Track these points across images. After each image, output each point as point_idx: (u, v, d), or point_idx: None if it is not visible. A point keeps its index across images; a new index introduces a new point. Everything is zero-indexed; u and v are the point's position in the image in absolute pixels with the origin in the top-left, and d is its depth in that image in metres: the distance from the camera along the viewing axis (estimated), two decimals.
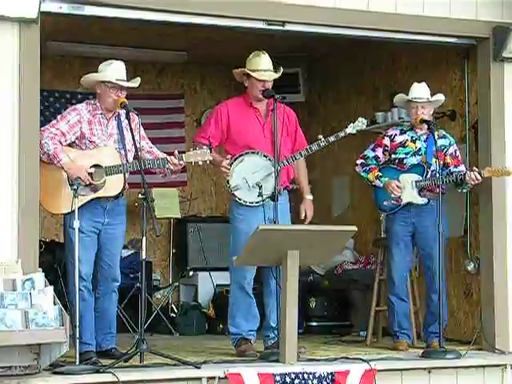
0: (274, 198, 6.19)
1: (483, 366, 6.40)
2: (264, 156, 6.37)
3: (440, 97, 6.84)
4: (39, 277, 5.53)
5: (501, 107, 6.90)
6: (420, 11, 6.72)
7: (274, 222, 6.14)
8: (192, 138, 6.30)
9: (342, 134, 6.46)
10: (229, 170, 6.31)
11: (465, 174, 6.64)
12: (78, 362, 5.41)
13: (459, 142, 7.52)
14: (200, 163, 6.11)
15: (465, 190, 6.83)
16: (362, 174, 6.91)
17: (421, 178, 6.75)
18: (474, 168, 6.67)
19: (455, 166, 6.77)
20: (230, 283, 6.57)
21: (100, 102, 6.11)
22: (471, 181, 6.61)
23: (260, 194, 6.30)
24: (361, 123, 6.46)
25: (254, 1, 6.30)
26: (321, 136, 6.44)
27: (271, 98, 6.32)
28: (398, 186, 6.75)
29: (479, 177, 6.60)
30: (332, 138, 6.44)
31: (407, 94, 6.84)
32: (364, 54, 8.66)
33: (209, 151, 6.07)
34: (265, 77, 6.37)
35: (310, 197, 6.57)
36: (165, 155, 6.16)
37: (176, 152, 6.09)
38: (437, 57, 7.77)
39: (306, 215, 6.51)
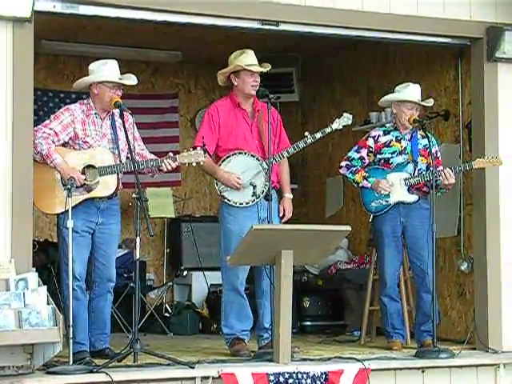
0: (267, 197, 6.22)
1: (476, 366, 6.41)
2: (251, 156, 6.38)
3: (430, 102, 6.86)
4: (33, 276, 5.52)
5: (494, 107, 6.91)
6: (414, 11, 6.73)
7: (268, 222, 6.16)
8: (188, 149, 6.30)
9: (328, 130, 6.46)
10: (239, 182, 6.31)
11: (442, 172, 6.62)
12: (71, 362, 5.40)
13: (453, 141, 7.54)
14: (194, 164, 6.11)
15: (439, 194, 6.79)
16: (348, 176, 6.89)
17: (409, 176, 6.75)
18: (447, 168, 6.63)
19: (436, 166, 6.76)
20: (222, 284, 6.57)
21: (96, 102, 6.09)
22: (445, 180, 6.59)
23: (254, 194, 6.31)
24: (346, 118, 6.48)
25: (248, 1, 6.31)
26: (307, 133, 6.44)
27: (265, 97, 6.32)
28: (387, 183, 6.74)
29: (451, 173, 6.57)
30: (318, 135, 6.44)
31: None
32: (358, 54, 8.67)
33: (202, 152, 6.07)
34: (259, 69, 6.38)
35: (289, 195, 6.57)
36: (152, 155, 6.16)
37: (170, 153, 6.09)
38: (431, 57, 7.78)
39: (284, 213, 6.50)
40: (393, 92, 6.91)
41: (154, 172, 6.19)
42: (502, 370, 6.47)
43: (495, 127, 6.92)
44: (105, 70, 6.05)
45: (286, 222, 6.49)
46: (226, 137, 6.42)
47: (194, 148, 6.16)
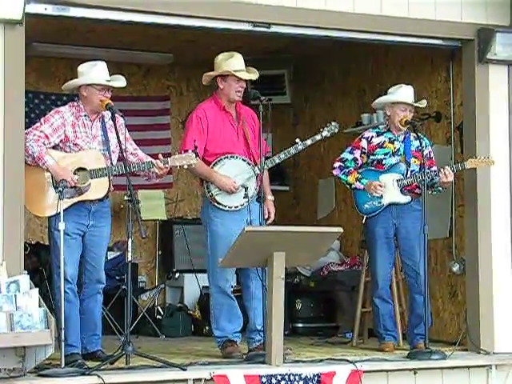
0: (259, 199, 6.24)
1: (468, 367, 6.42)
2: (243, 160, 6.39)
3: (423, 103, 6.88)
4: (24, 279, 5.50)
5: (485, 109, 6.93)
6: (405, 13, 6.74)
7: (260, 224, 6.16)
8: (179, 151, 6.29)
9: (318, 138, 6.59)
10: (236, 186, 6.31)
11: (438, 172, 6.65)
12: (63, 365, 5.40)
13: (444, 143, 7.55)
14: (185, 167, 6.10)
15: (435, 193, 6.82)
16: (342, 177, 6.91)
17: (402, 177, 6.76)
18: (446, 166, 6.67)
19: (429, 167, 6.77)
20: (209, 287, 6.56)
21: (86, 104, 6.07)
22: (443, 177, 6.61)
23: (246, 196, 6.32)
24: (333, 127, 6.63)
25: (239, 3, 6.30)
26: (298, 140, 6.51)
27: (257, 99, 6.31)
28: (379, 185, 6.76)
29: (450, 171, 6.60)
30: (309, 142, 6.54)
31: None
32: (350, 56, 8.67)
33: (194, 155, 6.06)
34: (248, 76, 6.38)
35: (271, 197, 6.58)
36: (149, 158, 6.15)
37: (160, 156, 6.07)
38: (422, 58, 7.79)
39: (269, 215, 6.51)
40: (386, 94, 6.93)
41: (149, 176, 6.18)
42: (494, 371, 6.48)
43: (486, 129, 6.93)
44: (93, 72, 6.03)
45: (276, 224, 6.50)
46: (215, 141, 6.41)
47: (186, 151, 6.17)
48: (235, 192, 6.33)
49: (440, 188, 6.79)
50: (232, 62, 6.36)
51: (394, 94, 6.81)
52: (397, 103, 6.77)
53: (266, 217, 6.48)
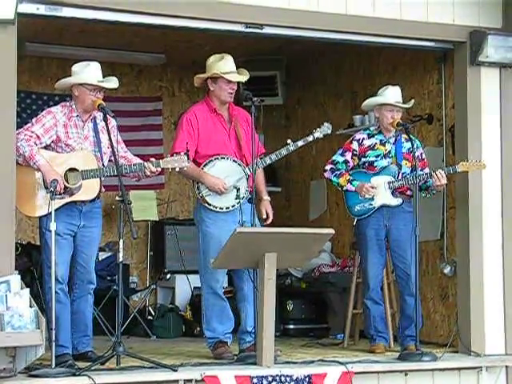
0: (251, 200, 6.24)
1: (459, 369, 6.43)
2: (233, 161, 6.39)
3: (410, 103, 6.89)
4: (15, 279, 5.50)
5: (477, 111, 6.95)
6: (398, 15, 6.75)
7: (252, 225, 6.16)
8: (169, 154, 6.27)
9: (310, 139, 6.56)
10: (225, 187, 6.31)
11: (431, 175, 6.66)
12: (54, 365, 5.38)
13: (436, 145, 7.57)
14: (177, 170, 6.10)
15: (428, 196, 6.84)
16: (333, 179, 6.91)
17: (393, 179, 6.77)
18: (439, 170, 6.67)
19: (421, 169, 6.78)
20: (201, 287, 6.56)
21: (77, 104, 6.06)
22: (437, 180, 6.62)
23: (238, 197, 6.32)
24: (326, 128, 6.59)
25: (232, 4, 6.30)
26: (289, 140, 6.49)
27: (249, 100, 6.31)
28: (371, 187, 6.76)
29: (443, 174, 6.61)
30: (300, 143, 6.52)
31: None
32: (342, 57, 8.68)
33: (186, 157, 6.06)
34: (238, 78, 6.38)
35: (267, 197, 6.57)
36: (138, 160, 6.14)
37: (152, 158, 6.07)
38: (414, 61, 7.81)
39: (267, 215, 6.50)
40: (375, 96, 6.93)
41: (139, 177, 6.18)
42: (485, 373, 6.50)
43: (478, 131, 6.95)
44: (86, 72, 6.02)
45: (269, 225, 6.49)
46: (206, 143, 6.41)
47: (176, 153, 6.16)
48: (225, 192, 6.33)
49: (434, 191, 6.80)
50: (222, 64, 6.36)
51: (380, 96, 6.83)
52: (384, 105, 6.78)
53: (265, 217, 6.46)
